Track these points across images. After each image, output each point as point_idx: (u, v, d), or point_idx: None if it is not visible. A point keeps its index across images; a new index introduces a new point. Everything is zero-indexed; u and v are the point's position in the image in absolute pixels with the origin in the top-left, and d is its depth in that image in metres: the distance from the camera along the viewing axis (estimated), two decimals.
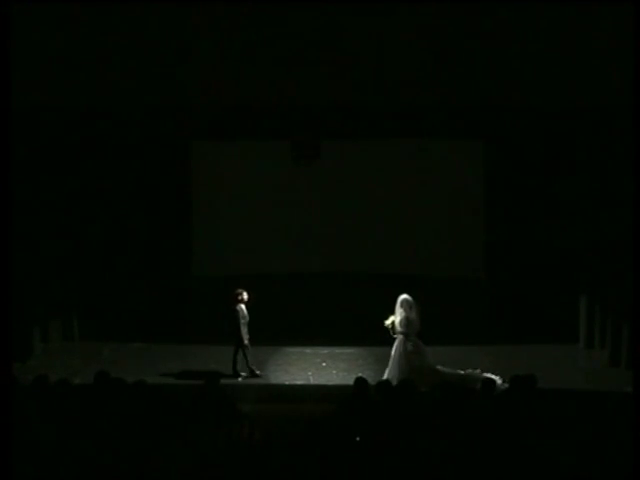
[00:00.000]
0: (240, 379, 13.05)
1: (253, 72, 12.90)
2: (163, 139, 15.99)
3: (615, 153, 13.57)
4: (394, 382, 11.91)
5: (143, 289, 16.51)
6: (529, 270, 16.07)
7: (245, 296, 13.25)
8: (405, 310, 12.74)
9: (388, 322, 12.75)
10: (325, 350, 14.51)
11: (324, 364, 13.93)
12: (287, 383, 13.04)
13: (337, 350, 13.92)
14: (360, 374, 10.85)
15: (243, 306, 13.24)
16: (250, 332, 13.23)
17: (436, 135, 16.02)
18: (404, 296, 12.86)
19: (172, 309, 16.57)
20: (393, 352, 12.74)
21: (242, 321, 13.14)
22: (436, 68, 12.87)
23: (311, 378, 13.27)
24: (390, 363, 12.76)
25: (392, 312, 12.79)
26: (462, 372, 12.82)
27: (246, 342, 13.10)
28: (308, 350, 13.60)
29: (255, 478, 7.80)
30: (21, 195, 13.50)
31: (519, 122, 14.96)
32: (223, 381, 10.17)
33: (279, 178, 17.97)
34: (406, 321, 12.69)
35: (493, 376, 12.21)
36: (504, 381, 12.02)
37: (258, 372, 13.26)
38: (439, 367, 12.89)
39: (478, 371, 12.85)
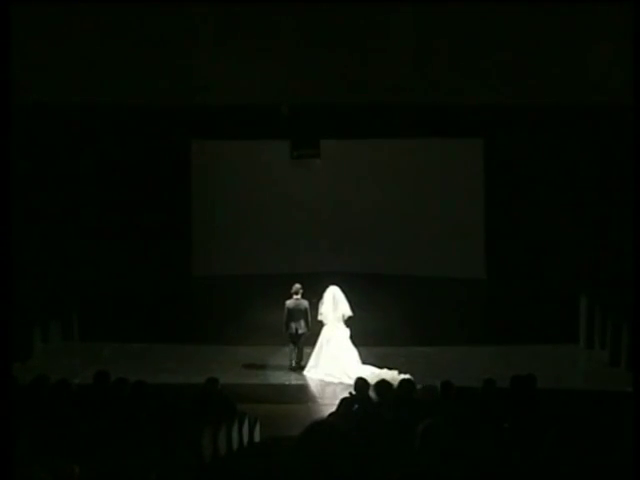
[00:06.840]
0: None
1: (253, 72, 12.89)
2: (163, 139, 16.00)
3: (615, 153, 13.58)
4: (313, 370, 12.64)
5: (143, 289, 16.52)
6: (529, 270, 16.07)
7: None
8: (325, 301, 13.02)
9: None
10: None
11: None
12: (287, 383, 13.04)
13: None
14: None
15: None
16: (251, 332, 13.29)
17: (436, 135, 16.02)
18: (330, 287, 13.16)
19: (172, 309, 16.58)
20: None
21: None
22: (436, 68, 12.86)
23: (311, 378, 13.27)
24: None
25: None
26: (376, 370, 12.69)
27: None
28: (308, 350, 13.56)
29: (255, 478, 7.78)
30: (21, 196, 13.49)
31: (519, 122, 14.96)
32: (223, 381, 10.15)
33: (279, 178, 17.98)
34: (319, 311, 13.03)
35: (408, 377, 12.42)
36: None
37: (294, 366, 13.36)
38: (355, 362, 12.91)
39: (395, 372, 12.68)
